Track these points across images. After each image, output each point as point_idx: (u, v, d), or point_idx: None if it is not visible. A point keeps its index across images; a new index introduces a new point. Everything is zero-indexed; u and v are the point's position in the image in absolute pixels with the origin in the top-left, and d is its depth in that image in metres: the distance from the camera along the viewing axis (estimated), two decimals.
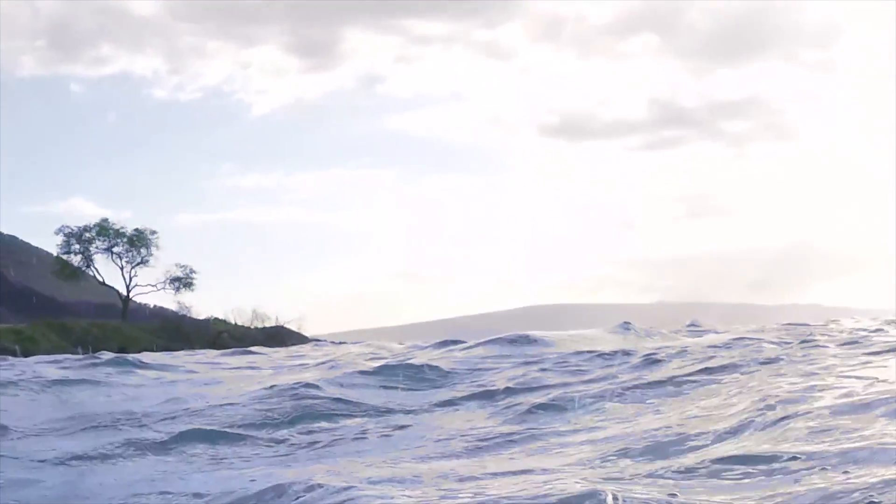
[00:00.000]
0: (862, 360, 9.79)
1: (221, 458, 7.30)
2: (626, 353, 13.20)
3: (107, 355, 17.19)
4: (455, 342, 16.66)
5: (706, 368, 10.47)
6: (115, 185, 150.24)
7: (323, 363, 15.59)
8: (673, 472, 5.31)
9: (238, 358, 19.24)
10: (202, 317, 50.69)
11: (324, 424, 8.63)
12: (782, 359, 10.67)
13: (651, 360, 12.04)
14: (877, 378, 8.02)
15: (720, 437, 6.37)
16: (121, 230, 51.79)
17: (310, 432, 8.32)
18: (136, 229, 51.96)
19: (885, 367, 9.10)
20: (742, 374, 9.88)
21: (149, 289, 52.13)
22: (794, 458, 5.22)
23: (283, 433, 8.31)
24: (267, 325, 49.08)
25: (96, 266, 52.22)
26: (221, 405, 9.53)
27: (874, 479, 4.46)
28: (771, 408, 7.05)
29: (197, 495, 5.87)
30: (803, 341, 12.71)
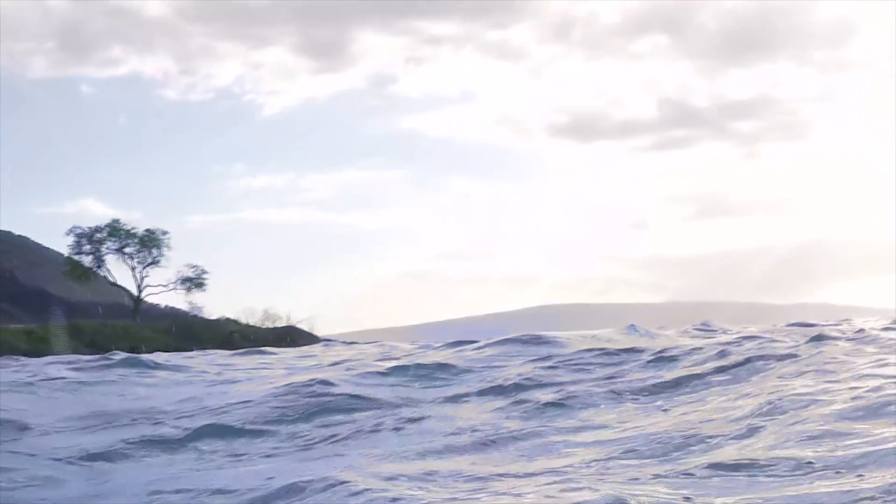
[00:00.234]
0: (875, 359, 9.78)
1: (241, 455, 7.38)
2: (636, 352, 13.25)
3: (119, 355, 17.22)
4: (466, 342, 16.71)
5: (718, 368, 10.48)
6: (126, 186, 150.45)
7: (336, 363, 15.66)
8: (683, 473, 5.32)
9: (250, 358, 19.29)
10: (213, 317, 50.69)
11: (339, 419, 8.72)
12: (795, 357, 10.67)
13: (661, 360, 12.08)
14: (892, 378, 8.01)
15: (732, 438, 6.37)
16: (132, 230, 51.84)
17: (326, 426, 8.41)
18: (148, 230, 52.01)
19: None
20: (753, 374, 9.90)
21: (160, 289, 52.16)
22: (807, 461, 5.21)
23: (299, 429, 8.39)
24: (278, 325, 49.05)
25: (107, 267, 52.33)
26: (237, 403, 9.61)
27: (892, 481, 4.45)
28: (783, 409, 7.06)
29: (218, 492, 5.94)
30: (814, 340, 12.70)
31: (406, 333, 52.34)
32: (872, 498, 4.26)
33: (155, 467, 7.04)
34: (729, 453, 5.82)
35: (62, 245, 54.23)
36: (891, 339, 12.07)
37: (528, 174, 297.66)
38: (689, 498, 4.55)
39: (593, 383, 10.44)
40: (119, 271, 52.02)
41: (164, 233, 52.33)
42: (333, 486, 5.36)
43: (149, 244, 51.46)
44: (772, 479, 4.94)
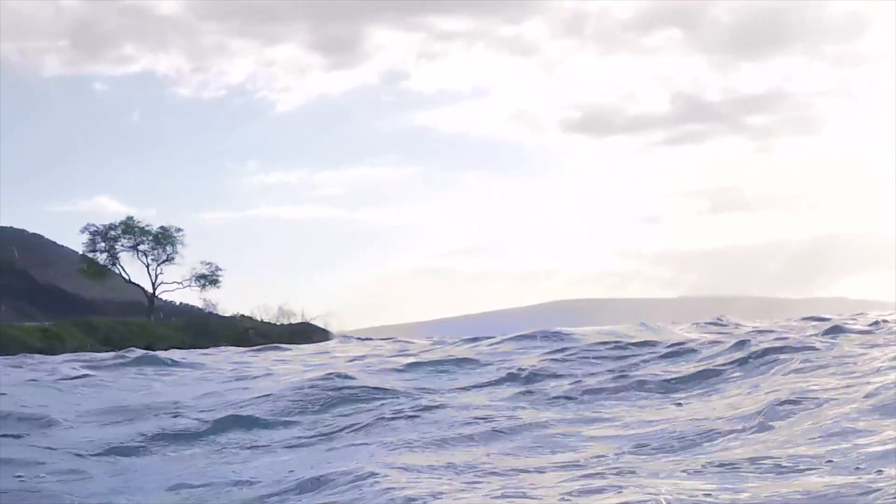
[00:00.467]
0: (891, 354, 9.79)
1: (262, 446, 7.46)
2: (651, 345, 13.32)
3: (135, 352, 17.37)
4: (482, 338, 16.81)
5: (732, 362, 10.52)
6: (140, 184, 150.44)
7: (352, 358, 15.78)
8: (698, 468, 5.33)
9: (266, 354, 19.46)
10: (228, 314, 50.90)
11: (359, 408, 8.81)
12: (810, 352, 10.68)
13: (676, 353, 12.13)
14: None
15: (748, 433, 6.40)
16: (146, 228, 52.06)
17: (345, 416, 8.51)
18: (162, 227, 52.21)
19: None
20: (768, 368, 9.91)
21: (174, 286, 52.36)
22: (822, 458, 5.21)
23: (320, 419, 8.49)
24: (293, 321, 49.23)
25: (122, 264, 52.57)
26: (258, 397, 9.71)
27: None
28: (799, 404, 7.07)
29: (241, 483, 6.02)
30: (829, 334, 12.73)
31: (421, 329, 52.39)
32: None
33: (177, 460, 7.12)
34: (744, 449, 5.82)
35: (77, 243, 54.60)
36: None
37: (542, 169, 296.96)
38: (708, 494, 4.57)
39: (607, 375, 10.52)
40: (133, 269, 52.28)
41: (179, 230, 52.60)
42: (356, 478, 5.44)
43: (163, 241, 51.65)
44: (790, 474, 4.93)
